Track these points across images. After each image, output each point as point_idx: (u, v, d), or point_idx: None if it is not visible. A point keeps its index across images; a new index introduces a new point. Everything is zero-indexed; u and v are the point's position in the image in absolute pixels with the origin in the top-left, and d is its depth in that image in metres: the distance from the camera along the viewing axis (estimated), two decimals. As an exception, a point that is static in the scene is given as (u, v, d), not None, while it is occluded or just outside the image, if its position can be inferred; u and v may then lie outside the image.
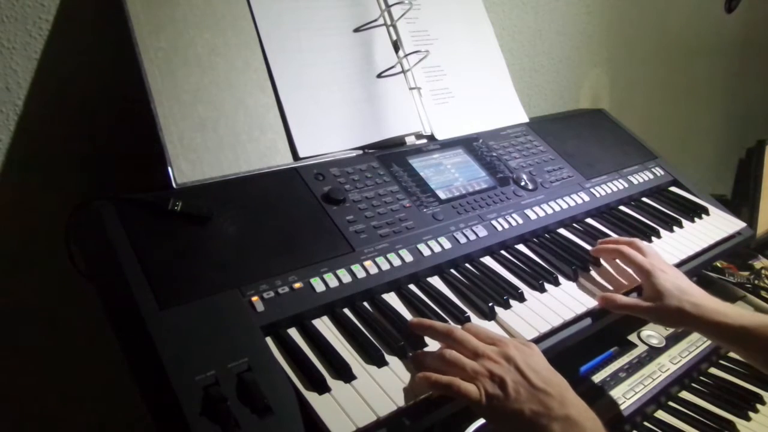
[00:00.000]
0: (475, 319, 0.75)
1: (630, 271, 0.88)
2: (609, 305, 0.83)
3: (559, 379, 0.65)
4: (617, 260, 0.90)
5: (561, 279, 0.85)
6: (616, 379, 0.94)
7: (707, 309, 0.79)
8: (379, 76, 0.98)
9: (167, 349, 0.58)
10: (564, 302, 0.81)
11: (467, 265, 0.85)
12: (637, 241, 0.90)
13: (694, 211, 1.12)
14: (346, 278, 0.73)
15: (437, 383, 0.63)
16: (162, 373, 0.57)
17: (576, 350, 0.81)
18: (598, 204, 1.05)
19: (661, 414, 0.93)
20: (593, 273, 0.89)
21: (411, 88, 1.01)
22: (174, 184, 0.75)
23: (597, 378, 0.93)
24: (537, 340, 0.74)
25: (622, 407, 0.89)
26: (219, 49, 0.83)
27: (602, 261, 0.91)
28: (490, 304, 0.77)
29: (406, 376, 0.65)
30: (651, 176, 1.19)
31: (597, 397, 0.90)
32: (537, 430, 0.60)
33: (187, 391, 0.56)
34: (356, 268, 0.74)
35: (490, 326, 0.75)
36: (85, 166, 0.84)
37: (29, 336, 0.85)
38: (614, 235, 0.98)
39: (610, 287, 0.87)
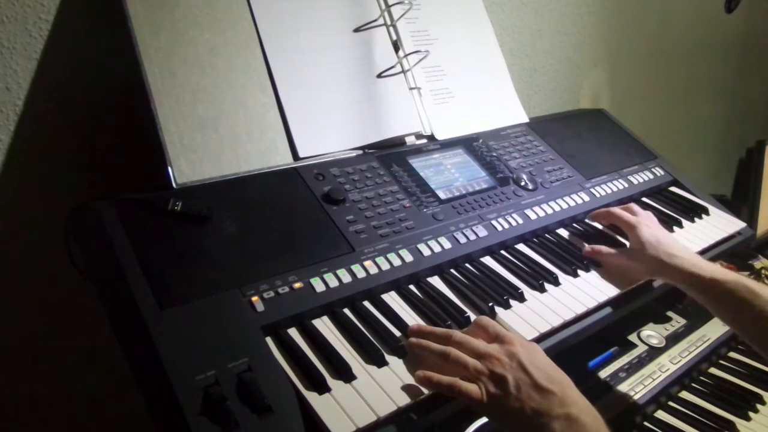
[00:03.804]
0: (475, 319, 0.75)
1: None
2: (595, 254, 0.91)
3: (563, 376, 0.65)
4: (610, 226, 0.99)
5: (561, 279, 0.85)
6: (616, 379, 0.94)
7: (682, 259, 0.85)
8: (379, 76, 0.98)
9: (167, 349, 0.58)
10: (564, 302, 0.81)
11: (467, 265, 0.85)
12: (632, 205, 0.99)
13: (694, 211, 1.12)
14: (346, 278, 0.73)
15: (439, 384, 0.63)
16: (162, 373, 0.57)
17: (576, 350, 0.81)
18: (598, 204, 1.05)
19: (661, 414, 0.93)
20: (594, 273, 0.89)
21: (411, 88, 1.01)
22: (174, 184, 0.75)
23: (597, 378, 0.93)
24: (537, 340, 0.74)
25: (622, 407, 0.89)
26: (219, 49, 0.83)
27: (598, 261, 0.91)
28: (490, 304, 0.77)
29: (406, 376, 0.65)
30: (651, 176, 1.19)
31: (597, 397, 0.90)
32: (537, 429, 0.60)
33: (187, 391, 0.56)
34: (356, 268, 0.74)
35: (490, 326, 0.75)
36: (85, 166, 0.84)
37: (29, 336, 0.85)
38: (617, 237, 0.98)
39: (611, 287, 0.87)
